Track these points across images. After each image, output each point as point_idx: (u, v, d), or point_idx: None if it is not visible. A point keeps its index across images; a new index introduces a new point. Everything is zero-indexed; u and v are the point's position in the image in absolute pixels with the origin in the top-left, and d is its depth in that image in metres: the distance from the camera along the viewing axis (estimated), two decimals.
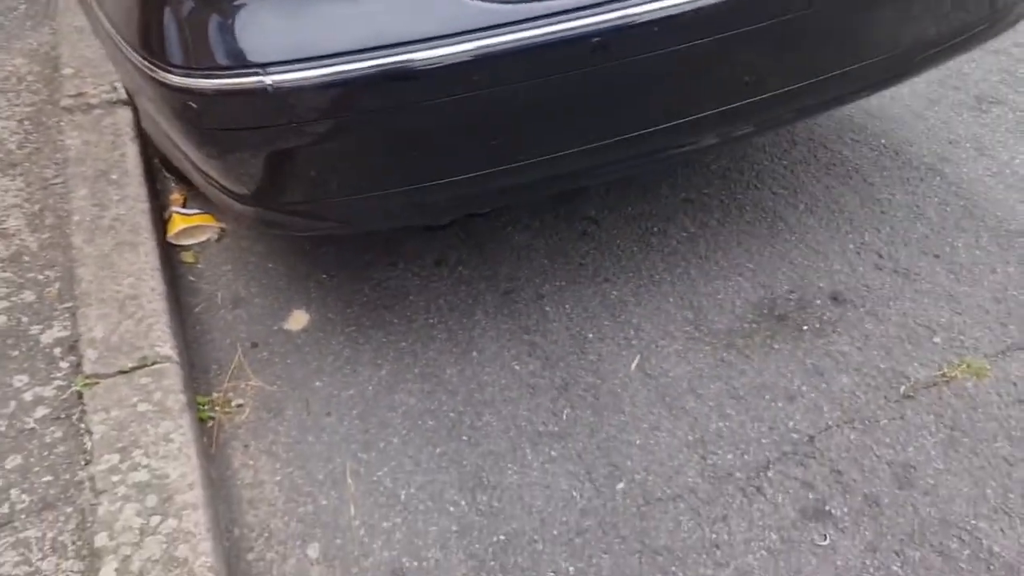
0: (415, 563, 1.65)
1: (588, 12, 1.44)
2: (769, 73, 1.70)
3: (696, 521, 1.69)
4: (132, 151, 2.45)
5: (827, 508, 1.69)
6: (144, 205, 2.28)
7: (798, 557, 1.62)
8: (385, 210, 1.68)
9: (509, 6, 1.43)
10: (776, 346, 2.01)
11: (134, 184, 2.34)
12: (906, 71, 1.97)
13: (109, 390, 1.80)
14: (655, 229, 2.30)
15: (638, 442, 1.83)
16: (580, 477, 1.78)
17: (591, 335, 2.05)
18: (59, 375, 1.84)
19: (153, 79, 1.45)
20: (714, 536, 1.66)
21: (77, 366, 1.86)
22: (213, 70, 1.38)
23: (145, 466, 1.66)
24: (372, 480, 1.79)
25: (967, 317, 2.05)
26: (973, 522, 1.66)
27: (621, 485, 1.75)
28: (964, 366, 1.93)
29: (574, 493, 1.75)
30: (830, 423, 1.84)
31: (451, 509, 1.74)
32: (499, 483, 1.77)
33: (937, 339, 2.00)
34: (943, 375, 1.92)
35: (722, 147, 2.37)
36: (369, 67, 1.37)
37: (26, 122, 2.54)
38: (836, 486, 1.73)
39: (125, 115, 2.57)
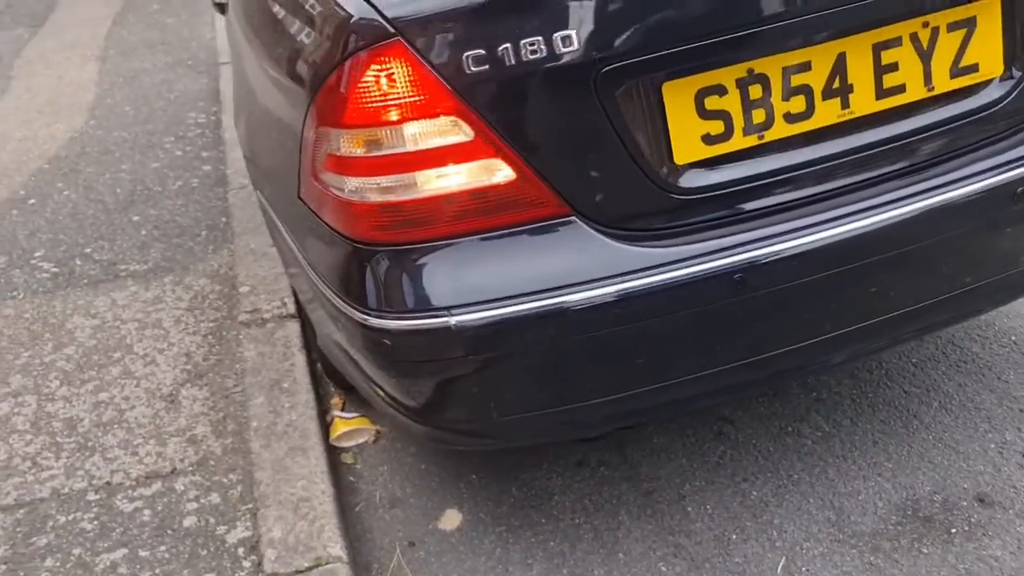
0: None
1: (728, 253, 1.63)
2: (900, 293, 1.83)
3: None
4: (300, 361, 2.74)
5: None
6: (312, 411, 2.53)
7: None
8: (540, 428, 1.86)
9: (658, 250, 1.64)
10: (925, 550, 2.01)
11: (303, 392, 2.60)
12: None
13: None
14: (789, 428, 2.38)
15: None
16: None
17: (734, 536, 2.11)
18: (243, 574, 2.01)
19: (351, 319, 1.71)
20: None
21: (258, 565, 2.03)
22: (406, 313, 1.63)
23: None
24: None
25: None
26: None
27: None
28: None
29: None
30: None
31: None
32: None
33: None
34: None
35: (854, 362, 2.48)
36: (532, 307, 1.60)
37: (209, 336, 2.88)
38: None
39: (294, 328, 2.89)
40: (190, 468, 2.34)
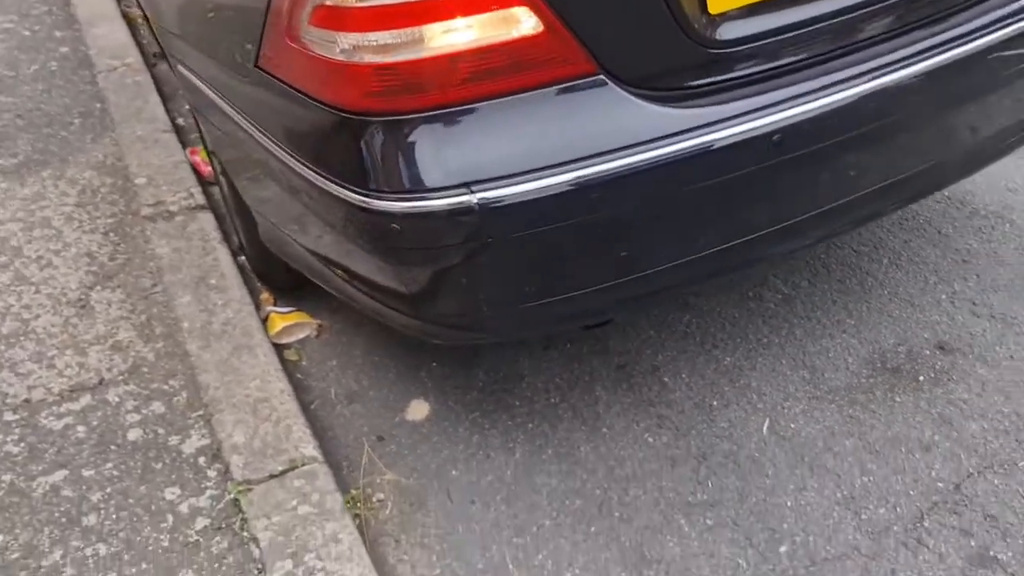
0: None
1: (766, 112, 1.51)
2: (930, 145, 1.80)
3: None
4: (223, 255, 2.48)
5: (992, 554, 1.73)
6: (249, 307, 2.30)
7: None
8: (553, 316, 1.69)
9: (693, 110, 1.50)
10: (898, 399, 2.06)
11: (234, 287, 2.37)
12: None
13: (265, 495, 1.79)
14: (751, 294, 2.37)
15: (789, 504, 1.85)
16: (741, 544, 1.79)
17: (715, 402, 2.09)
18: (210, 484, 1.83)
19: (345, 203, 1.48)
20: None
21: (225, 473, 1.85)
22: (417, 193, 1.42)
23: (321, 569, 1.65)
24: (534, 565, 1.79)
25: None
26: None
27: (784, 548, 1.77)
28: None
29: (739, 560, 1.76)
30: (971, 470, 1.89)
31: None
32: (662, 557, 1.78)
33: None
34: None
35: (865, 224, 2.43)
36: (561, 180, 1.43)
37: (111, 234, 2.55)
38: (994, 531, 1.77)
39: (208, 220, 2.61)
40: (121, 377, 2.08)
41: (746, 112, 1.51)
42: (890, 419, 2.01)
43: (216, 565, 1.67)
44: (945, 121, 1.80)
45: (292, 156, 1.61)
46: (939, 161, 1.83)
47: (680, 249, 1.64)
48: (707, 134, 1.49)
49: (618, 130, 1.47)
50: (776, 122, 1.52)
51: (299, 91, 1.53)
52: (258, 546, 1.69)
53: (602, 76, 1.46)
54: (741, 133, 1.50)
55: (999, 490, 1.84)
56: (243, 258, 2.53)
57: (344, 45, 1.39)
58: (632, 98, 1.48)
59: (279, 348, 2.33)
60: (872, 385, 2.10)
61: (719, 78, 1.55)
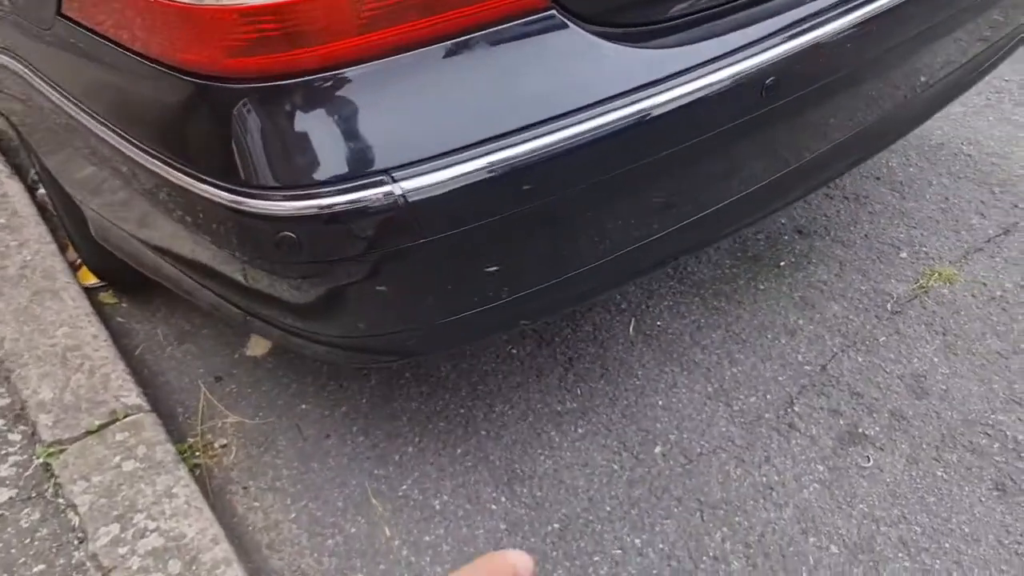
0: None
1: (752, 51, 1.24)
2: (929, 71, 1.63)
3: (743, 468, 1.66)
4: (15, 189, 2.17)
5: (860, 430, 1.71)
6: (51, 247, 2.02)
7: (849, 482, 1.63)
8: (498, 320, 1.36)
9: (665, 51, 1.20)
10: (761, 286, 2.02)
11: (30, 225, 2.07)
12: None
13: (82, 454, 1.56)
14: None
15: (661, 403, 1.78)
16: (614, 449, 1.71)
17: (579, 308, 1.99)
18: (14, 450, 1.58)
19: (212, 204, 1.10)
20: (764, 479, 1.64)
21: (32, 436, 1.60)
22: (316, 187, 1.04)
23: (154, 530, 1.45)
24: (398, 496, 1.65)
25: (922, 230, 2.14)
26: (992, 416, 1.73)
27: (658, 448, 1.70)
28: (936, 275, 2.01)
29: (614, 466, 1.68)
30: (835, 350, 1.87)
31: (493, 507, 1.62)
32: (534, 472, 1.68)
33: (904, 254, 2.08)
34: (920, 287, 1.99)
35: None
36: (506, 156, 1.09)
37: None
38: (861, 408, 1.75)
39: None
40: None
41: (729, 52, 1.23)
42: (755, 307, 1.97)
43: (27, 540, 1.44)
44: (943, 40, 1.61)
45: (127, 139, 1.22)
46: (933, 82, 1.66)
47: (664, 217, 1.36)
48: (689, 80, 1.19)
49: (579, 82, 1.14)
50: (765, 62, 1.24)
51: (127, 49, 1.12)
52: (76, 512, 1.47)
53: (554, 11, 1.13)
54: (727, 78, 1.21)
55: (863, 367, 1.83)
56: (43, 192, 2.21)
57: None
58: (593, 38, 1.16)
59: (92, 292, 2.06)
60: (735, 275, 2.05)
61: (688, 10, 1.26)
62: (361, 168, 1.05)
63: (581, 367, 1.86)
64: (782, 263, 2.07)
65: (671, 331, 1.92)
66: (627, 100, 1.15)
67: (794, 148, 1.48)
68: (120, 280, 2.02)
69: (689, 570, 1.51)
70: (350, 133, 1.06)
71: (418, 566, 1.54)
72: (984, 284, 2.00)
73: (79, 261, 2.09)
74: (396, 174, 1.05)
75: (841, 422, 1.73)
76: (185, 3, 1.01)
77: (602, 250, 1.32)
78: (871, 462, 1.66)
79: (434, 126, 1.08)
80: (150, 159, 1.17)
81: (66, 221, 1.95)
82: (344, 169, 1.05)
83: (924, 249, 2.09)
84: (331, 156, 1.05)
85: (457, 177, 1.07)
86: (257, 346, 1.96)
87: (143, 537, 1.43)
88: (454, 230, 1.12)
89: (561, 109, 1.12)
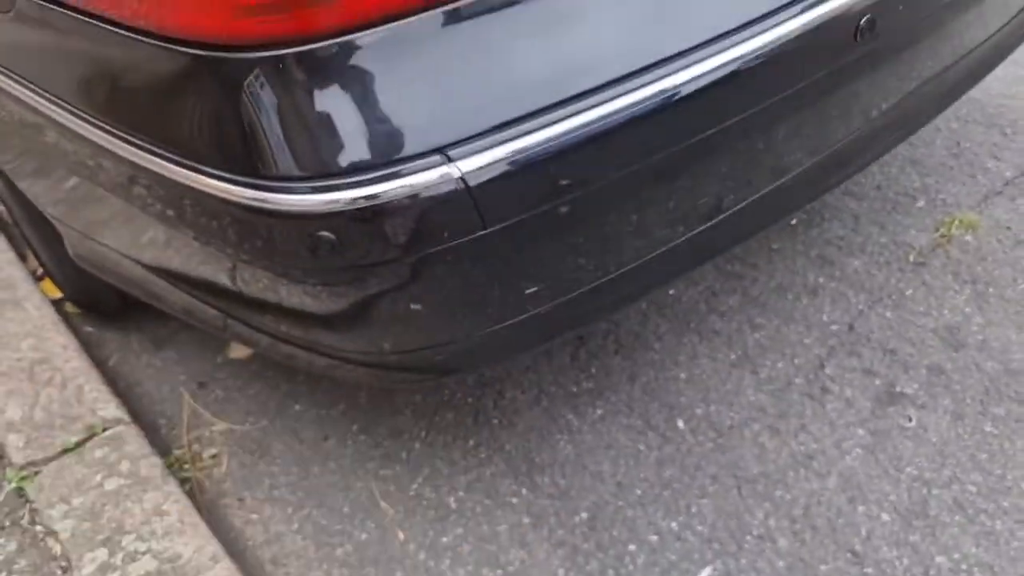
0: (499, 571, 1.40)
1: None
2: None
3: (778, 439, 1.54)
4: None
5: (898, 389, 1.60)
6: (10, 255, 1.87)
7: (893, 445, 1.52)
8: (556, 326, 1.22)
9: None
10: (775, 246, 1.90)
11: None
12: None
13: (59, 475, 1.41)
14: None
15: (683, 376, 1.66)
16: (639, 428, 1.58)
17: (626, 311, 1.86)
18: None
19: (227, 204, 0.94)
20: (803, 448, 1.52)
21: (1, 459, 1.45)
22: (359, 174, 0.88)
23: (146, 552, 1.31)
24: (409, 496, 1.52)
25: (936, 177, 2.04)
26: None
27: (684, 424, 1.58)
28: (956, 222, 1.91)
29: (640, 446, 1.56)
30: (861, 307, 1.76)
31: (514, 501, 1.50)
32: (554, 459, 1.55)
33: (920, 203, 1.97)
34: (942, 235, 1.89)
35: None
36: (583, 122, 0.93)
37: None
38: (896, 366, 1.64)
39: None
40: None
41: None
42: (771, 268, 1.85)
43: (4, 574, 1.30)
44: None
45: (115, 134, 1.04)
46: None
47: (732, 198, 1.20)
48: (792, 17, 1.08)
49: (653, 34, 1.00)
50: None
51: (110, 22, 0.96)
52: (57, 540, 1.32)
53: None
54: (828, 13, 1.11)
55: (892, 323, 1.72)
56: None
57: None
58: None
59: (57, 302, 1.91)
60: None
61: None
62: (410, 147, 0.89)
63: (594, 344, 1.73)
64: (793, 220, 1.95)
65: (684, 300, 1.80)
66: (710, 50, 1.00)
67: (880, 103, 1.34)
68: (101, 305, 1.83)
69: (733, 552, 1.39)
70: (392, 106, 0.89)
71: (438, 570, 1.41)
72: (1008, 228, 1.89)
73: (40, 271, 1.93)
74: (451, 152, 0.89)
75: (877, 382, 1.62)
76: None
77: (664, 237, 1.16)
78: (913, 421, 1.55)
79: (492, 93, 0.93)
80: (145, 155, 1.00)
81: (31, 238, 1.74)
82: (389, 150, 0.88)
83: (941, 196, 1.98)
84: (372, 135, 0.89)
85: (522, 151, 0.91)
86: (240, 348, 1.82)
87: (134, 561, 1.29)
88: (519, 217, 0.95)
89: (637, 64, 0.97)
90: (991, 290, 1.77)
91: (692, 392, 1.63)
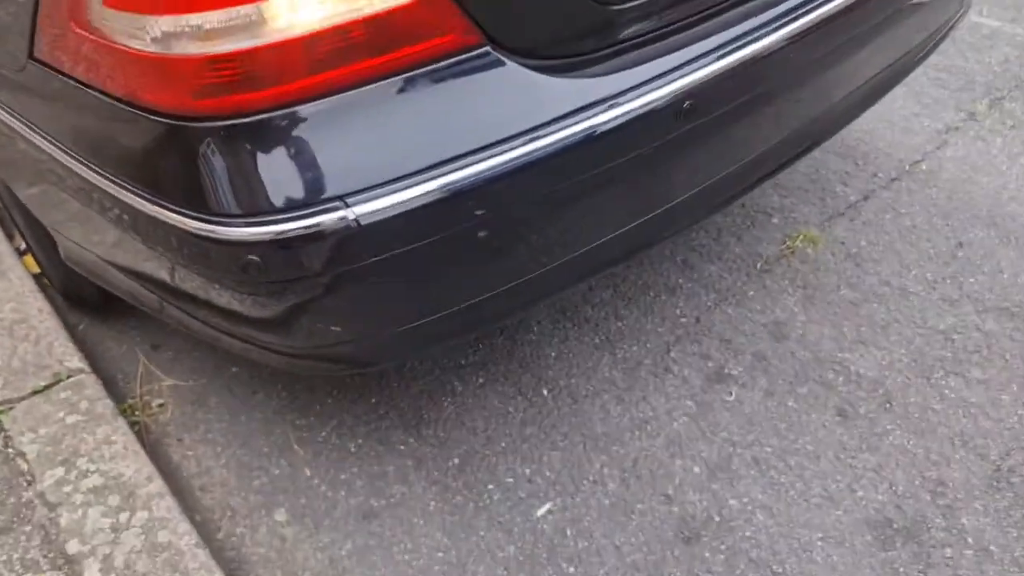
0: (383, 501, 1.74)
1: (674, 75, 1.38)
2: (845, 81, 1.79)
3: (622, 407, 1.89)
4: None
5: (726, 371, 1.95)
6: None
7: (713, 415, 1.86)
8: (444, 331, 1.51)
9: (596, 80, 1.35)
10: (648, 251, 2.25)
11: None
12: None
13: (29, 411, 1.75)
14: None
15: (553, 354, 2.01)
16: (511, 395, 1.93)
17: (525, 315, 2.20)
18: None
19: (183, 232, 1.23)
20: (640, 415, 1.87)
21: None
22: (279, 214, 1.18)
23: (95, 471, 1.64)
24: (318, 441, 1.85)
25: (793, 198, 2.39)
26: (839, 355, 1.97)
27: (548, 391, 1.93)
28: (801, 237, 2.26)
29: (510, 409, 1.90)
30: (709, 304, 2.11)
31: (402, 448, 1.84)
32: (439, 416, 1.89)
33: (775, 220, 2.33)
34: (787, 248, 2.24)
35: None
36: (453, 180, 1.23)
37: None
38: (728, 352, 1.99)
39: None
40: None
41: (653, 78, 1.38)
42: (640, 270, 2.20)
43: None
44: (852, 62, 1.75)
45: (99, 172, 1.35)
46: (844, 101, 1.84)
47: (600, 227, 1.51)
48: (619, 104, 1.34)
49: (516, 111, 1.29)
50: (685, 86, 1.39)
51: (99, 91, 1.25)
52: (25, 460, 1.66)
53: (488, 47, 1.27)
54: (651, 101, 1.36)
55: (732, 318, 2.07)
56: None
57: (156, 32, 1.12)
58: (526, 71, 1.30)
59: (36, 276, 2.24)
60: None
61: (615, 41, 1.41)
62: (317, 195, 1.19)
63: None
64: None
65: (566, 292, 2.15)
66: (554, 127, 1.29)
67: (717, 162, 1.64)
68: (87, 300, 2.12)
69: (571, 492, 1.74)
70: (306, 164, 1.19)
71: (335, 498, 1.75)
72: (842, 243, 2.25)
73: (23, 247, 2.26)
74: (349, 200, 1.19)
75: (710, 364, 1.97)
76: (154, 53, 1.13)
77: (541, 261, 1.47)
78: (733, 396, 1.90)
79: (383, 155, 1.22)
80: (125, 192, 1.31)
81: (24, 233, 2.07)
82: (302, 196, 1.19)
83: (793, 215, 2.34)
84: (290, 185, 1.19)
85: (405, 201, 1.21)
86: None
87: (85, 477, 1.62)
88: (403, 248, 1.26)
89: (497, 136, 1.27)
90: (818, 294, 2.12)
91: (559, 367, 1.98)
